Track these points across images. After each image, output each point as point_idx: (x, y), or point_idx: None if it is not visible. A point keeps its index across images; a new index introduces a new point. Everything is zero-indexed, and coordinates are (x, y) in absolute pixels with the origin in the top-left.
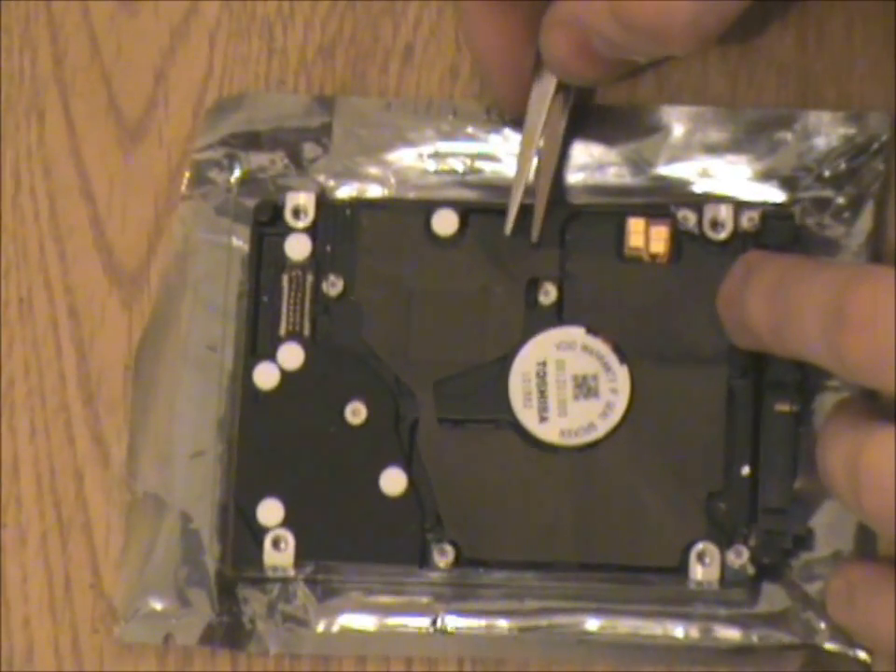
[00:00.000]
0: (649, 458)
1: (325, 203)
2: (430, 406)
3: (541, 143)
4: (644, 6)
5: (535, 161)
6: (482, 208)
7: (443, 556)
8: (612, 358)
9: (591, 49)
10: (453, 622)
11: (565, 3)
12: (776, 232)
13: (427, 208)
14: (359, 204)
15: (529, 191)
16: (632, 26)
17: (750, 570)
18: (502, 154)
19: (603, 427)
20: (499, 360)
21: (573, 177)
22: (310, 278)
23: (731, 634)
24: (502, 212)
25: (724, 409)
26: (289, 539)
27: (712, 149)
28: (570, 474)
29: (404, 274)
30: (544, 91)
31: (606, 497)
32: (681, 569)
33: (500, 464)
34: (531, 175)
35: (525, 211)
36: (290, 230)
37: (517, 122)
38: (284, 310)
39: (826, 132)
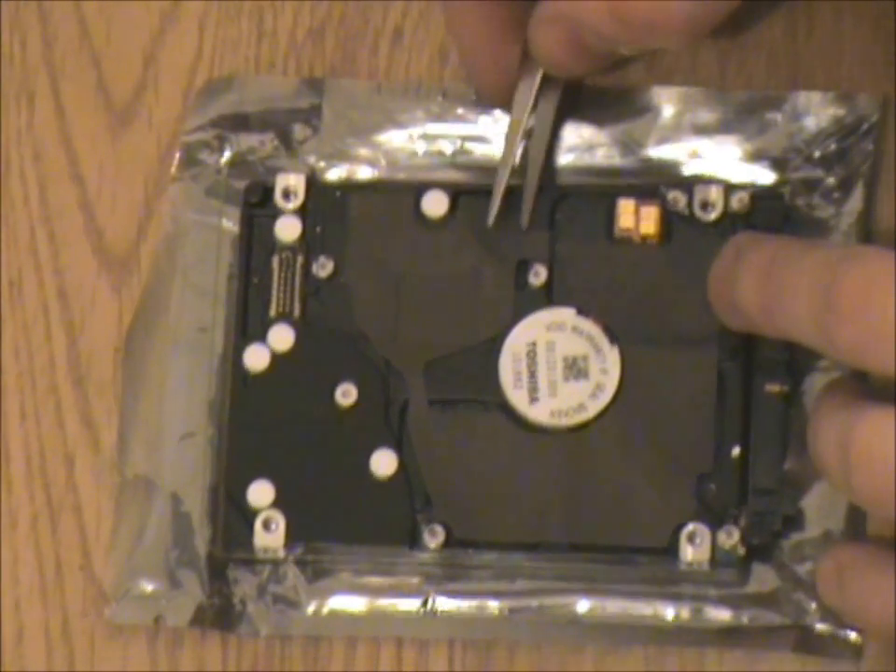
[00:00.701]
0: (639, 439)
1: (315, 184)
2: (420, 387)
3: (529, 132)
4: (641, 3)
5: (520, 150)
6: (471, 189)
7: (434, 537)
8: (603, 340)
9: (581, 44)
10: (443, 603)
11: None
12: (765, 213)
13: (416, 190)
14: (349, 186)
15: (515, 174)
16: (629, 22)
17: (741, 551)
18: (492, 135)
19: (593, 408)
20: (489, 341)
21: (563, 159)
22: (300, 260)
23: (721, 614)
24: (491, 192)
25: (714, 390)
26: (280, 521)
27: (702, 130)
28: (560, 455)
29: (394, 256)
30: (531, 82)
31: (596, 478)
32: (671, 550)
33: (490, 445)
34: (517, 161)
35: (513, 194)
36: (280, 211)
37: (507, 105)
38: (274, 292)
39: (816, 113)
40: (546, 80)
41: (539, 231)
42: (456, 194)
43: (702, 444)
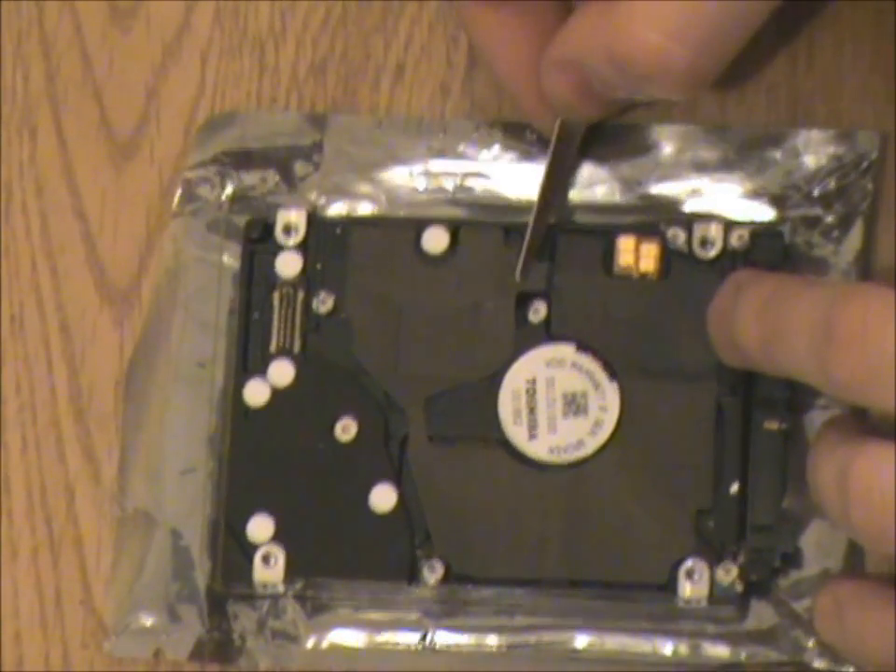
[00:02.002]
0: (637, 475)
1: (316, 220)
2: (420, 423)
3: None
4: (640, 52)
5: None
6: (472, 225)
7: (433, 573)
8: (602, 376)
9: (589, 89)
10: (442, 638)
11: (563, 42)
12: (765, 251)
13: (417, 225)
14: (349, 222)
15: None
16: (629, 72)
17: (739, 587)
18: (492, 172)
19: (592, 445)
20: (489, 377)
21: (562, 196)
22: (301, 295)
23: (719, 651)
24: (492, 228)
25: (713, 426)
26: (279, 556)
27: (702, 168)
28: (559, 491)
29: (394, 291)
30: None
31: (594, 514)
32: (670, 586)
33: (489, 480)
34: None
35: (516, 231)
36: (281, 247)
37: (509, 140)
38: (274, 327)
39: (815, 150)
40: (565, 127)
41: (538, 266)
42: (457, 230)
43: (700, 480)
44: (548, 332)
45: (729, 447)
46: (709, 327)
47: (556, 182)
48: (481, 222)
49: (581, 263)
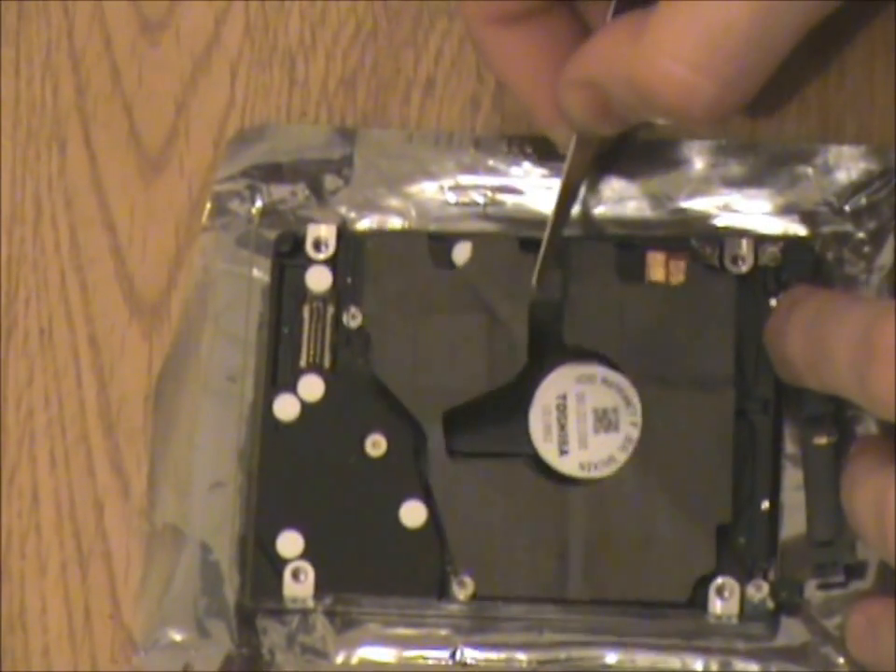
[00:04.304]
0: (657, 490)
1: (346, 234)
2: (439, 437)
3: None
4: (665, 84)
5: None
6: (487, 237)
7: (462, 589)
8: (632, 392)
9: (607, 108)
10: (472, 654)
11: (583, 63)
12: (795, 267)
13: (433, 236)
14: (370, 234)
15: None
16: (651, 102)
17: (770, 604)
18: (523, 186)
19: (622, 460)
20: (507, 390)
21: (593, 211)
22: (331, 310)
23: (750, 668)
24: (507, 240)
25: (731, 439)
26: (309, 571)
27: (732, 183)
28: (583, 508)
29: (410, 302)
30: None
31: (617, 530)
32: (697, 603)
33: (513, 497)
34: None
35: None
36: (311, 261)
37: (539, 155)
38: (304, 341)
39: (846, 166)
40: (581, 141)
41: (554, 275)
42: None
43: (721, 494)
44: (562, 342)
45: (760, 464)
46: (766, 343)
47: (572, 193)
48: (497, 233)
49: (597, 272)
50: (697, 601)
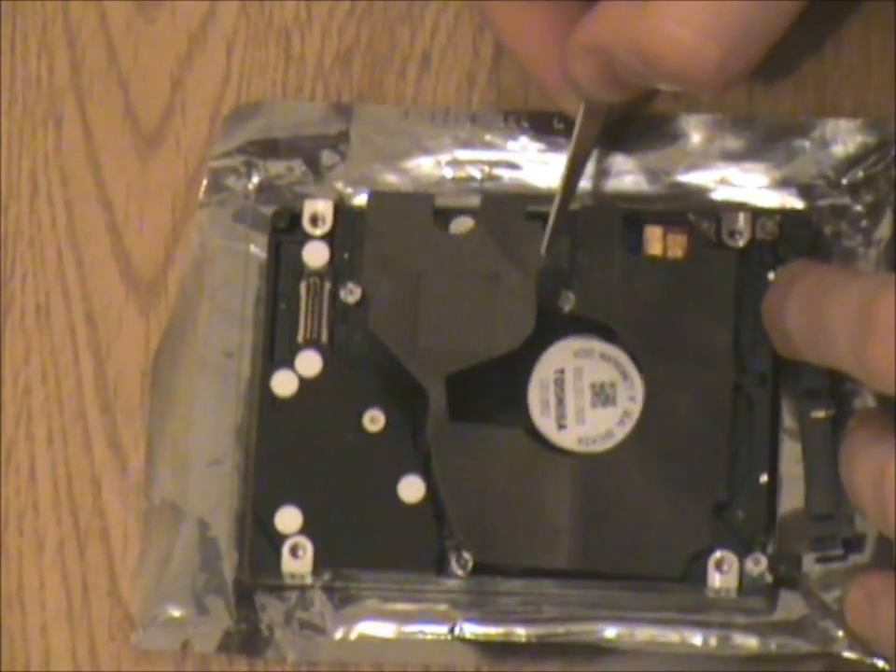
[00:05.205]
0: (656, 465)
1: (343, 210)
2: (441, 402)
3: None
4: (670, 49)
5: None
6: (493, 197)
7: (461, 564)
8: (631, 367)
9: (614, 75)
10: (470, 629)
11: (590, 29)
12: (792, 240)
13: (433, 198)
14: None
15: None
16: (657, 67)
17: (769, 578)
18: (520, 161)
19: (620, 435)
20: (511, 357)
21: (591, 185)
22: (328, 286)
23: (749, 642)
24: (513, 201)
25: (729, 413)
26: (307, 547)
27: (729, 157)
28: (581, 481)
29: (411, 263)
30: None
31: (614, 504)
32: (692, 577)
33: (511, 468)
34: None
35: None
36: (308, 237)
37: (536, 130)
38: (301, 317)
39: (843, 140)
40: (590, 109)
41: (562, 243)
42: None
43: (717, 470)
44: (561, 315)
45: (758, 438)
46: (764, 318)
47: (581, 162)
48: (503, 194)
49: (604, 241)
50: (696, 575)
